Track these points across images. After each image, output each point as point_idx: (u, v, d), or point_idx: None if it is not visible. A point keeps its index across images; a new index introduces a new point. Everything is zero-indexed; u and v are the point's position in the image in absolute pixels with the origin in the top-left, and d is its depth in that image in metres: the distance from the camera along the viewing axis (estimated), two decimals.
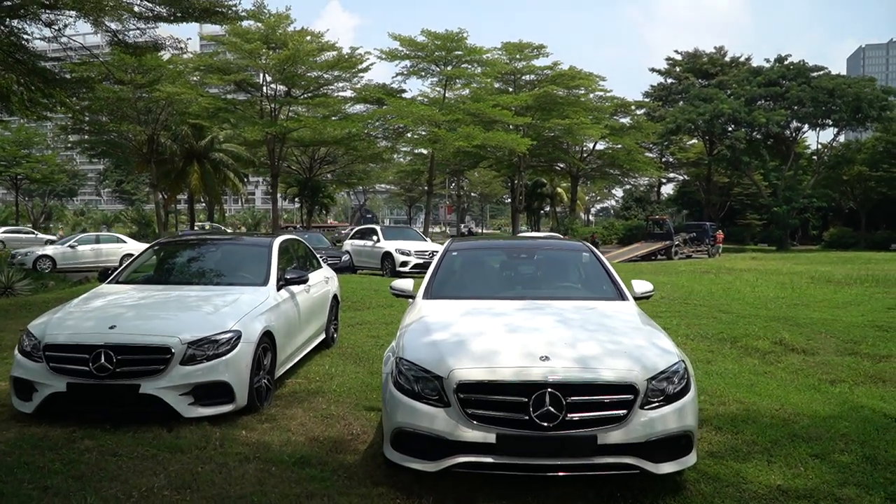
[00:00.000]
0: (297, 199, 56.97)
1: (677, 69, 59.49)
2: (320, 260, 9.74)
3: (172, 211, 55.99)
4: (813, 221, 58.30)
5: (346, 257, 21.96)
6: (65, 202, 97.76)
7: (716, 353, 8.55)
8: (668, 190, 73.31)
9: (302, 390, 6.91)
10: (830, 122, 45.74)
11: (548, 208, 72.78)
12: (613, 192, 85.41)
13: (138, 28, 19.74)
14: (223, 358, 5.72)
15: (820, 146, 51.34)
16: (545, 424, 3.92)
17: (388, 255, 21.21)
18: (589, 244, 6.85)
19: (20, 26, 16.85)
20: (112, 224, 62.79)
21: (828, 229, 56.15)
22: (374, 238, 22.57)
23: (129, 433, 5.33)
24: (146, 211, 57.03)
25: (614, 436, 3.97)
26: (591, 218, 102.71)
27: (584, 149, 52.58)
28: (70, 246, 25.99)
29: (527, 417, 3.95)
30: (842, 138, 51.54)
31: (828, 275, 19.24)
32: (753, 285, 16.84)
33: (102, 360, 5.43)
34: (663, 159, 60.61)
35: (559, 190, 66.88)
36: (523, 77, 45.89)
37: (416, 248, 21.11)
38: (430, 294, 5.77)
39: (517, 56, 43.81)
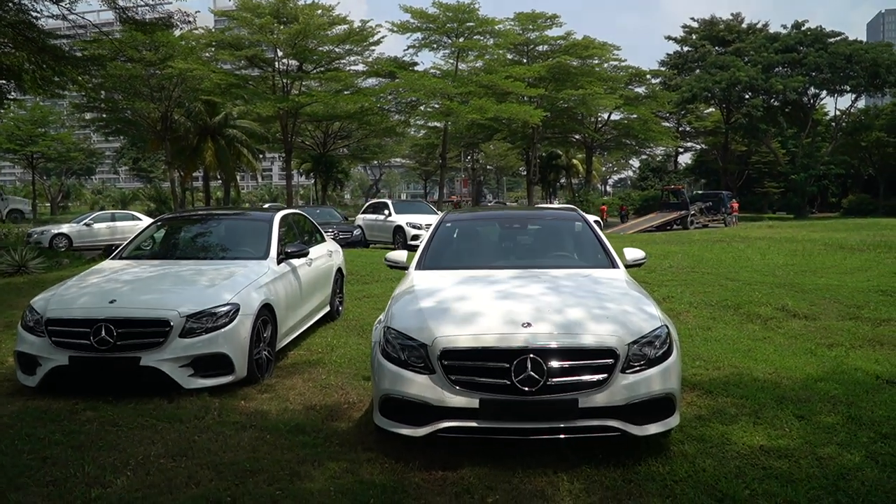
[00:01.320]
0: (311, 175, 57.05)
1: (693, 37, 58.56)
2: (324, 234, 9.83)
3: (189, 188, 56.28)
4: (832, 188, 57.65)
5: (357, 231, 22.07)
6: (83, 181, 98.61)
7: (717, 320, 8.57)
8: (685, 159, 72.69)
9: (303, 361, 7.04)
10: (848, 88, 45.09)
11: (564, 180, 72.42)
12: (630, 162, 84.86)
13: (147, 5, 19.79)
14: (222, 330, 5.84)
15: (838, 112, 50.66)
16: (526, 389, 4.00)
17: (399, 229, 21.30)
18: (585, 215, 6.85)
19: (29, 4, 16.90)
20: (130, 202, 63.23)
21: (847, 196, 55.52)
22: (386, 212, 22.67)
23: (130, 405, 5.47)
24: (164, 189, 57.44)
25: (596, 399, 4.05)
26: (608, 189, 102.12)
27: (599, 119, 52.06)
28: (86, 224, 26.32)
29: (509, 382, 4.03)
30: (860, 104, 50.73)
31: (841, 241, 19.04)
32: (764, 253, 16.72)
33: (103, 334, 5.56)
34: (680, 129, 59.97)
35: (575, 161, 66.44)
36: (536, 48, 45.31)
37: (427, 221, 21.12)
38: (422, 265, 5.84)
39: (530, 26, 43.21)
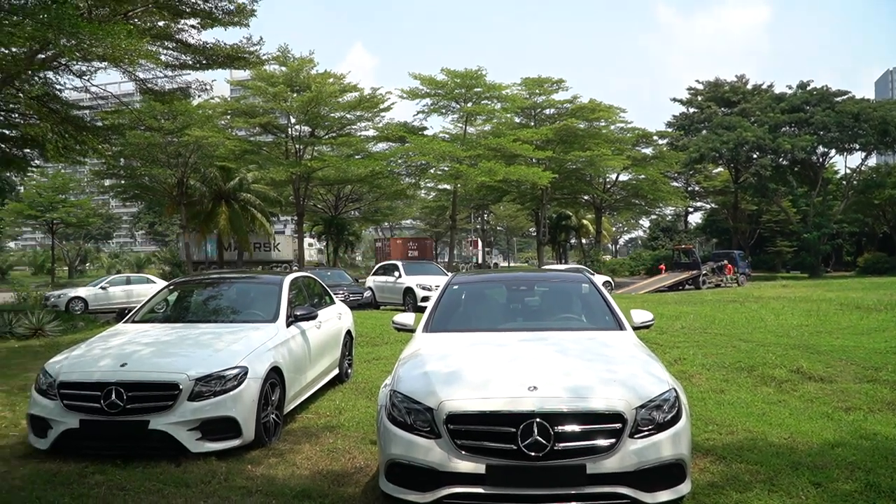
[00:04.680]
0: (322, 237, 57.60)
1: (699, 98, 59.34)
2: (333, 296, 9.88)
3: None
4: (846, 247, 57.28)
5: (367, 293, 22.14)
6: (101, 245, 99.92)
7: (730, 383, 8.46)
8: (695, 219, 72.85)
9: (311, 425, 6.99)
10: (858, 147, 45.16)
11: (574, 240, 72.62)
12: (640, 222, 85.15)
13: (167, 76, 20.47)
14: (230, 393, 5.84)
15: (848, 171, 50.68)
16: (533, 454, 3.95)
17: (409, 291, 21.32)
18: (592, 276, 6.88)
19: (53, 77, 17.54)
20: (145, 265, 63.88)
21: (862, 254, 55.13)
22: (396, 274, 22.74)
23: (138, 468, 5.45)
24: (179, 252, 57.99)
25: (604, 465, 3.98)
26: (619, 249, 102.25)
27: (608, 180, 52.52)
28: (102, 287, 26.58)
29: (515, 447, 3.97)
30: (871, 162, 50.82)
31: (857, 301, 18.88)
32: (778, 313, 16.59)
33: (113, 397, 5.59)
34: (689, 188, 60.27)
35: (585, 222, 66.68)
36: (543, 111, 46.12)
37: (436, 282, 21.16)
38: (429, 328, 5.86)
39: (536, 91, 44.08)
